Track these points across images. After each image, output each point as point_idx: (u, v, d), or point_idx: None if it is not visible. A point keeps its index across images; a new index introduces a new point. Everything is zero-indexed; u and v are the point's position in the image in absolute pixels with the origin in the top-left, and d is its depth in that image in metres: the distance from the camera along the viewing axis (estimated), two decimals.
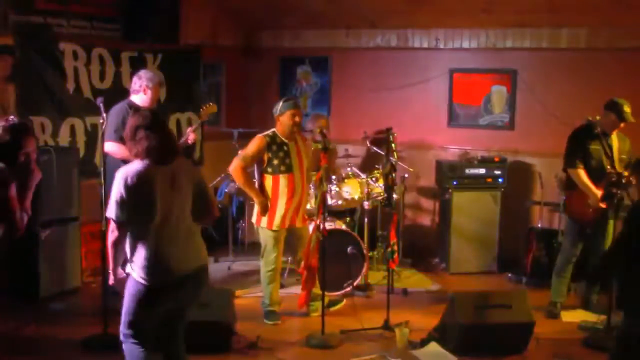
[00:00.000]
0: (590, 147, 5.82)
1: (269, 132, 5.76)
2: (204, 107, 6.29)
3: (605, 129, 5.82)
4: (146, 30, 7.00)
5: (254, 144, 5.70)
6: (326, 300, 5.85)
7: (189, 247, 3.93)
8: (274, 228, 5.71)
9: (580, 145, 5.85)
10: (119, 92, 6.54)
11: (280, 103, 5.77)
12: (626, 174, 5.53)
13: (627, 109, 5.73)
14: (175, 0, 7.25)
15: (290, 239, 5.89)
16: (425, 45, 7.96)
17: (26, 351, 5.11)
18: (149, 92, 5.77)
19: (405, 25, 7.94)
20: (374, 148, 7.42)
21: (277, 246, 5.76)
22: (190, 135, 6.05)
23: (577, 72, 7.28)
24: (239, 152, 6.00)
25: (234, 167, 5.70)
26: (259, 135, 5.75)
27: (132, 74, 6.96)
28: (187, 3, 7.45)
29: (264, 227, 5.74)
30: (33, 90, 6.27)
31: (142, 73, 5.88)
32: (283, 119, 5.70)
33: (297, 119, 5.70)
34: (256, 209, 5.79)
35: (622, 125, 5.80)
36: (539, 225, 7.12)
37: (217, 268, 7.31)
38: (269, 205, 5.67)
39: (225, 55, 8.58)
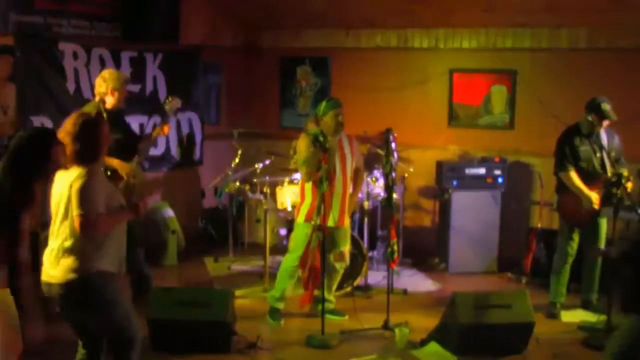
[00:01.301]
0: (580, 149, 5.82)
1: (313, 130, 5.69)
2: (168, 100, 5.98)
3: (591, 129, 5.81)
4: (146, 30, 6.99)
5: (302, 144, 5.64)
6: (332, 306, 5.89)
7: (52, 261, 3.80)
8: (312, 222, 5.62)
9: (569, 147, 5.83)
10: None
11: (323, 103, 5.72)
12: (626, 174, 5.53)
13: (605, 107, 5.72)
14: (175, 0, 7.25)
15: (329, 239, 5.73)
16: (425, 45, 7.96)
17: (26, 351, 5.09)
18: (116, 93, 5.55)
19: (405, 25, 7.94)
20: (374, 148, 7.41)
21: (307, 243, 5.67)
22: (164, 129, 5.93)
23: (577, 72, 7.28)
24: (295, 163, 5.89)
25: (305, 177, 5.66)
26: (302, 134, 5.72)
27: (132, 74, 6.97)
28: (187, 3, 7.45)
29: (301, 221, 5.71)
30: (33, 90, 6.27)
31: (106, 74, 5.61)
32: (326, 119, 5.64)
33: (340, 118, 5.66)
34: (297, 203, 5.80)
35: (605, 123, 5.79)
36: (539, 226, 7.12)
37: (217, 268, 7.32)
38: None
39: (225, 55, 8.58)
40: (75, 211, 3.66)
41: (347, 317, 5.94)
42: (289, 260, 5.80)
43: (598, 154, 5.83)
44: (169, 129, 6.03)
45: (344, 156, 5.74)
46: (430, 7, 7.39)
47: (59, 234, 3.77)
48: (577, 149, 5.82)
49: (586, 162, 5.83)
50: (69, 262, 3.73)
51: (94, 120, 3.89)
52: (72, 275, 3.71)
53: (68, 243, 3.73)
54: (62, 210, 3.76)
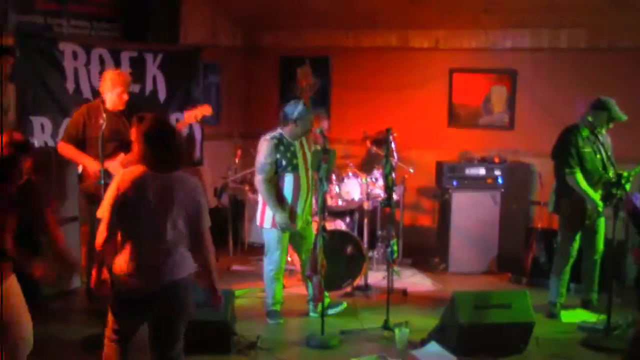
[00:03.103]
0: (583, 150, 5.78)
1: (274, 133, 5.66)
2: (197, 108, 6.01)
3: (594, 130, 5.78)
4: (146, 30, 6.99)
5: (265, 149, 5.60)
6: (327, 300, 5.88)
7: (167, 260, 3.80)
8: (279, 227, 5.66)
9: (574, 148, 5.77)
10: None
11: (300, 107, 5.63)
12: (625, 174, 5.53)
13: (615, 108, 5.71)
14: (175, 0, 7.25)
15: (294, 240, 5.85)
16: (425, 45, 7.97)
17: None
18: (115, 92, 5.62)
19: (405, 25, 7.95)
20: (374, 148, 7.42)
21: (280, 245, 5.72)
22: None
23: (577, 72, 7.29)
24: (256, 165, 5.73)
25: (258, 183, 5.65)
26: (266, 138, 5.64)
27: (132, 74, 6.96)
28: (187, 3, 7.44)
29: (267, 227, 5.72)
30: (33, 90, 6.26)
31: (106, 74, 5.71)
32: (300, 123, 5.63)
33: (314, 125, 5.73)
34: (259, 209, 5.77)
35: (611, 124, 5.78)
36: (539, 226, 7.12)
37: (217, 268, 7.31)
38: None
39: (224, 55, 8.58)
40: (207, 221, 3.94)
41: (345, 304, 6.02)
42: (266, 265, 5.81)
43: (598, 155, 5.81)
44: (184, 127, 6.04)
45: (305, 156, 5.74)
46: (430, 7, 7.39)
47: (171, 235, 3.79)
48: (580, 151, 5.78)
49: (590, 163, 5.78)
50: (190, 259, 3.94)
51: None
52: (189, 272, 3.93)
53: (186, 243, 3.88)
54: (177, 215, 3.79)
